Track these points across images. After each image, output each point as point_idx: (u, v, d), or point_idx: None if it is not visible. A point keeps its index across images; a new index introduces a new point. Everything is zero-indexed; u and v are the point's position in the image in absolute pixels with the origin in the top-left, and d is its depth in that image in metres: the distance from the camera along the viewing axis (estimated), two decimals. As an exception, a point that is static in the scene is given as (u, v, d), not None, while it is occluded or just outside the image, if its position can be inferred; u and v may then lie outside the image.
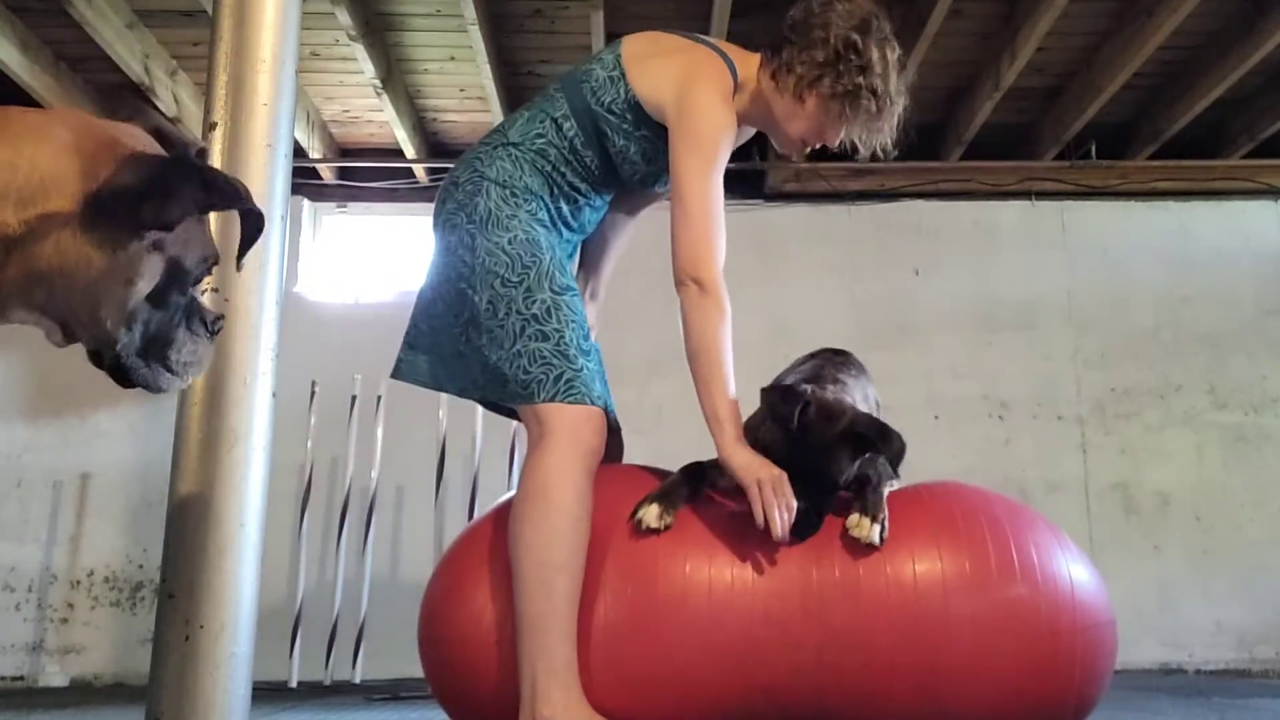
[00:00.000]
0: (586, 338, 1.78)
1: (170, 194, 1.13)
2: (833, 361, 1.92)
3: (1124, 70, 3.94)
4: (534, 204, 1.81)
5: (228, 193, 1.19)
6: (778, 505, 1.58)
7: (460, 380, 1.82)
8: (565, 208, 1.88)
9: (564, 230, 1.89)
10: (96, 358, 1.25)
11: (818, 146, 1.92)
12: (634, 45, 1.90)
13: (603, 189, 1.94)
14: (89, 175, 1.10)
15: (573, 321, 1.75)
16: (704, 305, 1.72)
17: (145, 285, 1.18)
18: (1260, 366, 4.75)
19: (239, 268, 1.47)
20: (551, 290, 1.74)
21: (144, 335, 1.22)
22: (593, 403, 1.71)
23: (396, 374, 1.91)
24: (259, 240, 1.30)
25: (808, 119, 1.84)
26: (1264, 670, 4.36)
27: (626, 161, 1.88)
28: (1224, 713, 2.77)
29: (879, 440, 1.66)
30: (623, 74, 1.86)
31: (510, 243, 1.75)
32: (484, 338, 1.74)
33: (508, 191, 1.79)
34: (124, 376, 1.25)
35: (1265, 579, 4.50)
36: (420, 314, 1.89)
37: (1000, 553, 1.66)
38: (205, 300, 1.47)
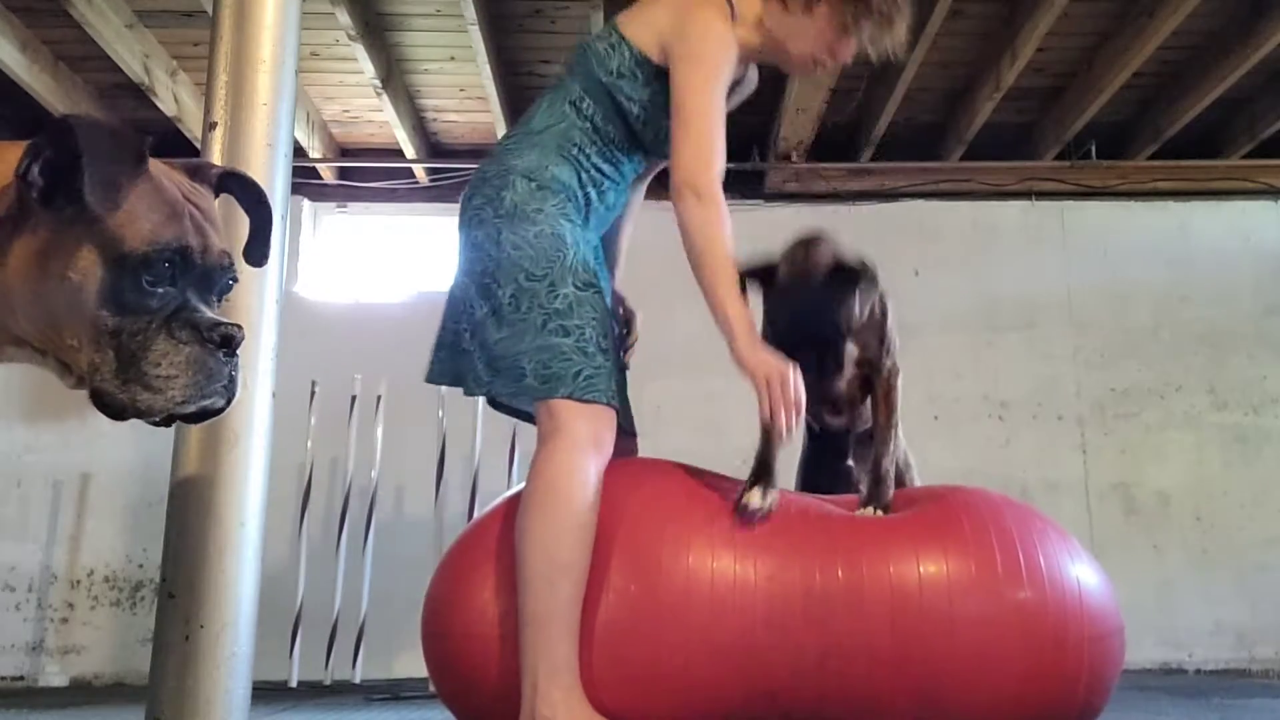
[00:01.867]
0: (607, 336, 1.77)
1: (34, 149, 1.06)
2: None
3: (1124, 70, 3.94)
4: (561, 196, 1.81)
5: (63, 125, 1.07)
6: (784, 403, 1.61)
7: (482, 378, 1.78)
8: (592, 192, 1.88)
9: (592, 215, 1.89)
10: (91, 395, 1.14)
11: (828, 65, 1.93)
12: (627, 13, 1.92)
13: (626, 166, 1.94)
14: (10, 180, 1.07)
15: (594, 319, 1.74)
16: (704, 211, 1.72)
17: (86, 280, 1.09)
18: (1260, 366, 4.74)
19: (259, 263, 1.30)
20: (575, 286, 1.74)
21: (118, 350, 1.10)
22: (608, 402, 1.71)
23: (429, 377, 1.89)
24: (265, 225, 1.22)
25: (817, 33, 1.86)
26: (1264, 670, 4.35)
27: (647, 125, 1.88)
28: (1224, 713, 2.77)
29: (862, 278, 1.78)
30: (621, 36, 1.87)
31: (536, 236, 1.75)
32: (505, 330, 1.72)
33: (534, 184, 1.79)
34: (103, 404, 1.12)
35: (1265, 579, 4.49)
36: (448, 314, 1.88)
37: (1007, 560, 1.65)
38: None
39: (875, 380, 1.91)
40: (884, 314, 1.94)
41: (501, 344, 1.73)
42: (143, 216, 1.12)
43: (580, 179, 1.85)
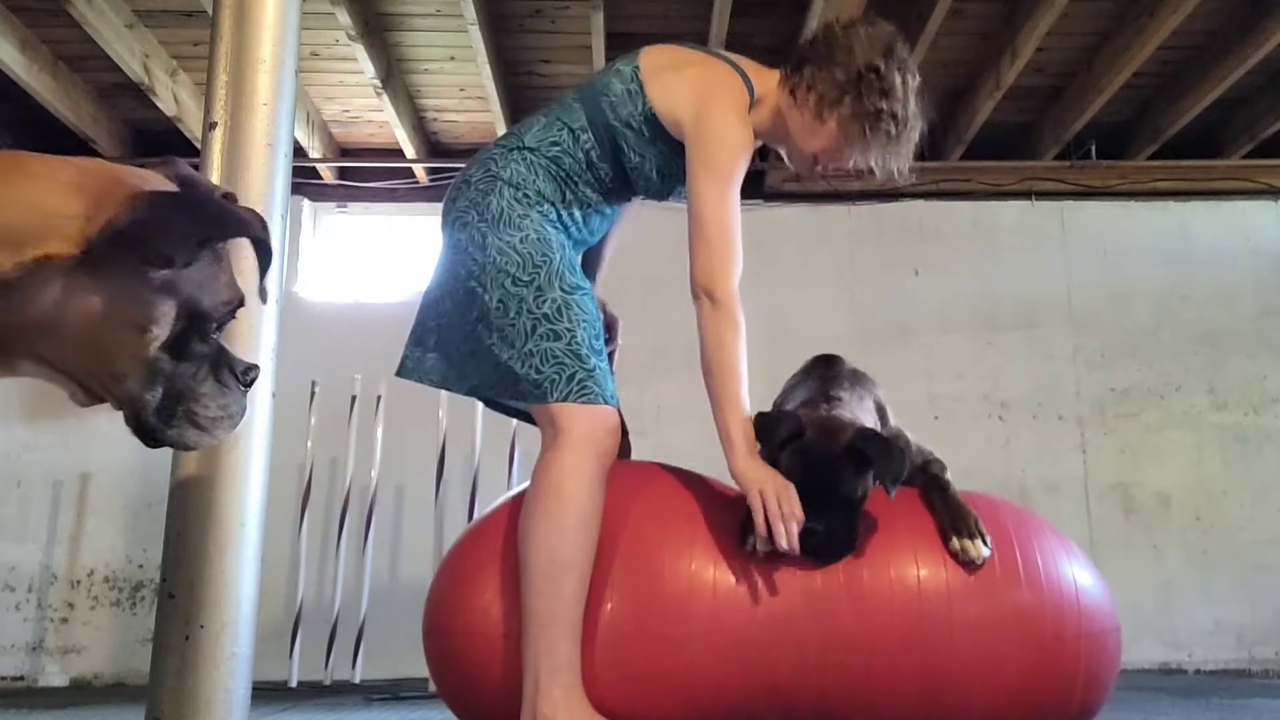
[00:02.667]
0: (598, 337, 1.78)
1: (165, 228, 1.07)
2: (824, 377, 1.92)
3: (1124, 70, 3.94)
4: (545, 207, 1.82)
5: (226, 221, 1.13)
6: (781, 515, 1.57)
7: (471, 379, 1.81)
8: (577, 214, 1.88)
9: (572, 238, 1.89)
10: (131, 421, 1.17)
11: (831, 169, 1.92)
12: (652, 58, 1.90)
13: (614, 200, 1.95)
14: (92, 218, 1.04)
15: (584, 321, 1.75)
16: (717, 321, 1.71)
17: (160, 332, 1.11)
18: (1260, 366, 4.75)
19: (264, 299, 1.34)
20: (562, 289, 1.74)
21: (168, 390, 1.16)
22: (605, 402, 1.71)
23: (402, 372, 1.90)
24: (271, 267, 1.25)
25: (826, 138, 1.85)
26: (1264, 670, 4.36)
27: (641, 176, 1.89)
28: (1224, 713, 2.77)
29: (880, 459, 1.64)
30: (641, 88, 1.85)
31: (522, 241, 1.75)
32: (494, 336, 1.73)
33: (520, 193, 1.79)
34: (149, 436, 1.18)
35: (1265, 579, 4.50)
36: (428, 312, 1.89)
37: (1005, 558, 1.66)
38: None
39: (921, 486, 1.76)
40: (883, 419, 1.84)
41: (494, 349, 1.73)
42: (219, 276, 1.17)
43: (565, 198, 1.85)
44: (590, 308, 1.78)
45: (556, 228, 1.82)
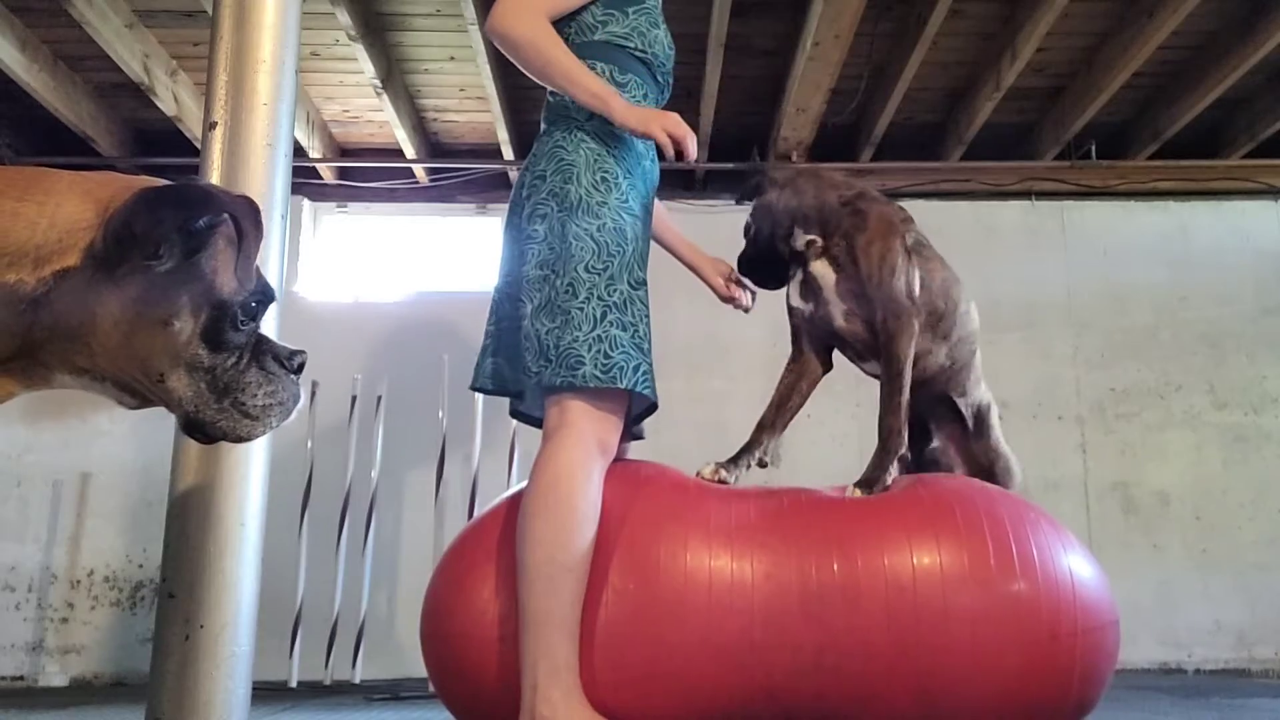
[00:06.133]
0: (647, 337, 1.80)
1: (149, 217, 1.09)
2: None
3: (1124, 70, 3.94)
4: (624, 186, 1.82)
5: (205, 203, 1.13)
6: (677, 126, 1.76)
7: (528, 373, 1.76)
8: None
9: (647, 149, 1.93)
10: (182, 420, 1.19)
11: None
12: None
13: (656, 86, 1.98)
14: (101, 225, 1.08)
15: (645, 317, 1.79)
16: (522, 53, 1.81)
17: (185, 325, 1.13)
18: (1260, 366, 4.74)
19: (251, 281, 1.39)
20: (629, 283, 1.77)
21: (211, 383, 1.17)
22: (654, 399, 1.77)
23: (473, 384, 1.89)
24: (256, 248, 1.24)
25: None
26: (1263, 670, 4.36)
27: (636, 34, 1.92)
28: (1223, 713, 2.77)
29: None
30: None
31: (600, 230, 1.76)
32: (558, 319, 1.72)
33: (598, 176, 1.80)
34: (202, 431, 1.20)
35: (1265, 579, 4.49)
36: (490, 319, 1.89)
37: (1001, 552, 1.65)
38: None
39: (873, 324, 1.88)
40: (883, 252, 1.94)
41: (554, 333, 1.72)
42: (228, 260, 1.18)
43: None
44: (647, 304, 1.82)
45: (635, 215, 1.82)
